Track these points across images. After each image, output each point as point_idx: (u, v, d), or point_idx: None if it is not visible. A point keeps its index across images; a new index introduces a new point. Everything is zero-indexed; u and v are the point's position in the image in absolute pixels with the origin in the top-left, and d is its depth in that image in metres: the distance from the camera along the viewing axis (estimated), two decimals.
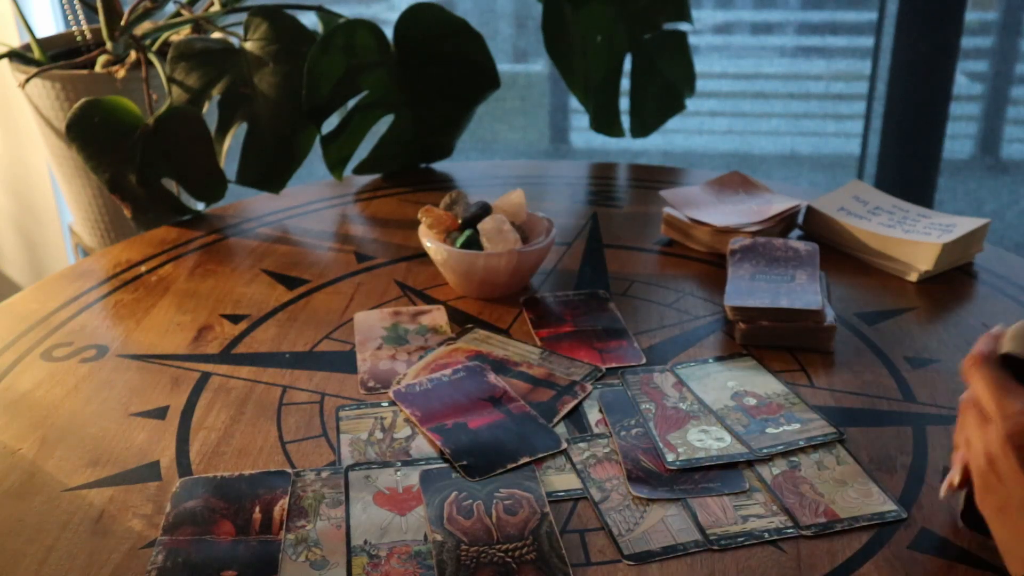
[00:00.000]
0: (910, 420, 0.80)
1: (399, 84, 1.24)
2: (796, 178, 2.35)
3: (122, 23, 1.30)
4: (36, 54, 1.40)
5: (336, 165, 1.26)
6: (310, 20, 1.29)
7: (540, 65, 2.54)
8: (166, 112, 1.13)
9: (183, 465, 0.76)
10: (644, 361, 0.88)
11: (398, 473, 0.74)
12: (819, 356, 0.89)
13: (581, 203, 1.23)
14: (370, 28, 1.21)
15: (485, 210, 0.99)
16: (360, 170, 1.30)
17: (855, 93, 2.35)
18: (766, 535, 0.68)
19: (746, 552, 0.67)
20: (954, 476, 0.65)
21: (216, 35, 1.27)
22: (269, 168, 1.20)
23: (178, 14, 1.33)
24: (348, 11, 1.28)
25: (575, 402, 0.82)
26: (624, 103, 1.35)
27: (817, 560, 0.66)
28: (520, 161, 1.91)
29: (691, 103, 1.38)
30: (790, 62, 2.57)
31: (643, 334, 0.93)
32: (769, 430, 0.78)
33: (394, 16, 1.23)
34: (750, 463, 0.75)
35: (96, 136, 1.11)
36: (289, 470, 0.75)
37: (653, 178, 1.30)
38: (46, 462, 0.76)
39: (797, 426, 0.79)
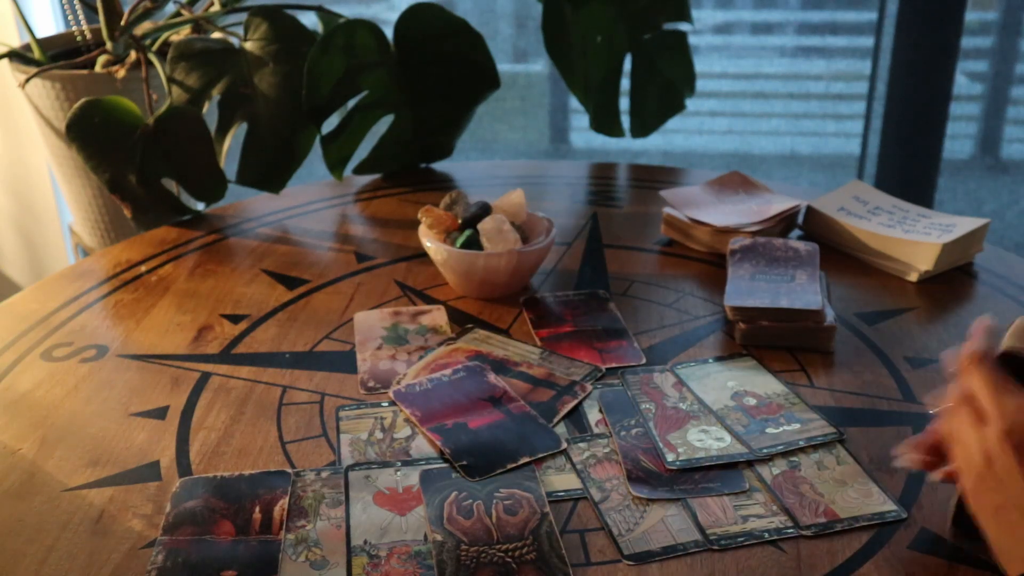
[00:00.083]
0: (910, 420, 0.80)
1: (399, 84, 1.24)
2: (796, 178, 2.35)
3: (122, 23, 1.30)
4: (36, 54, 1.40)
5: (336, 165, 1.26)
6: (310, 20, 1.29)
7: (540, 65, 2.54)
8: (166, 112, 1.13)
9: (183, 465, 0.76)
10: (644, 361, 0.88)
11: (398, 473, 0.74)
12: (819, 356, 0.89)
13: (581, 203, 1.23)
14: (370, 28, 1.21)
15: (485, 210, 0.99)
16: (360, 170, 1.30)
17: (855, 93, 2.35)
18: (766, 535, 0.68)
19: (746, 552, 0.67)
20: (910, 451, 0.65)
21: (216, 35, 1.27)
22: (269, 168, 1.20)
23: (178, 14, 1.33)
24: (348, 11, 1.28)
25: (575, 402, 0.82)
26: (624, 103, 1.35)
27: (817, 560, 0.66)
28: (520, 161, 1.91)
29: (691, 103, 1.38)
30: (790, 62, 2.57)
31: (643, 334, 0.93)
32: (769, 430, 0.78)
33: (394, 16, 1.23)
34: (750, 463, 0.75)
35: (96, 136, 1.11)
36: (289, 470, 0.75)
37: (653, 178, 1.30)
38: (46, 462, 0.76)
39: (797, 426, 0.79)
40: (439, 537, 0.67)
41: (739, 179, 1.17)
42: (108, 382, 0.87)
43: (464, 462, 0.75)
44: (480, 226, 0.96)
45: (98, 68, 1.35)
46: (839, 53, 2.47)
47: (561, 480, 0.74)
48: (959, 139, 2.31)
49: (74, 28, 1.47)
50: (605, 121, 1.34)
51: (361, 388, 0.85)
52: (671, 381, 0.85)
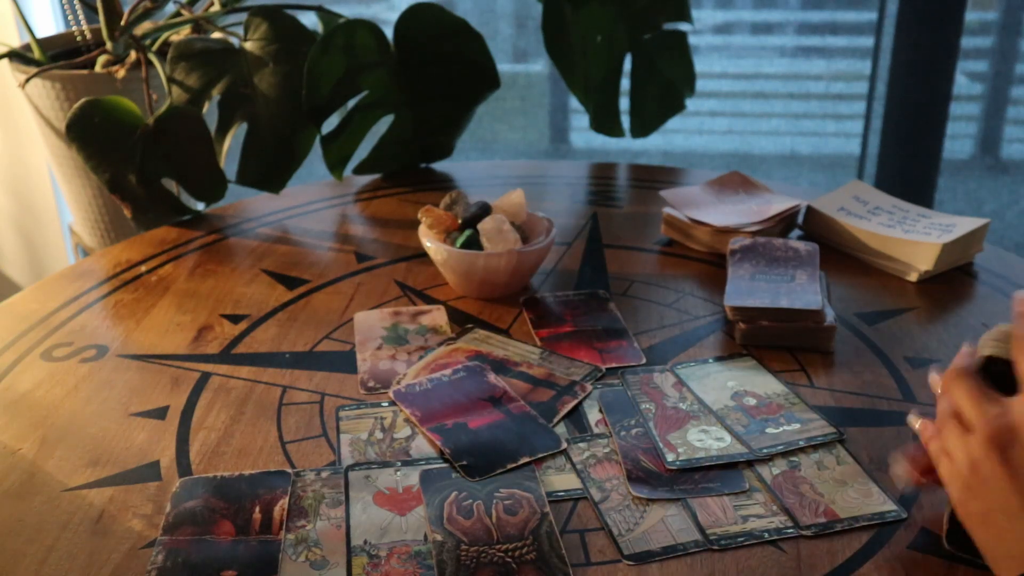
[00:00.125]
0: None
1: (399, 84, 1.24)
2: (796, 178, 2.35)
3: (122, 23, 1.30)
4: (36, 54, 1.40)
5: (336, 165, 1.26)
6: (310, 20, 1.29)
7: (540, 65, 2.54)
8: (166, 112, 1.13)
9: (183, 465, 0.76)
10: (644, 361, 0.88)
11: (398, 473, 0.74)
12: (819, 356, 0.89)
13: (581, 203, 1.23)
14: (370, 28, 1.21)
15: (485, 210, 0.99)
16: (360, 170, 1.30)
17: (855, 93, 2.35)
18: (766, 535, 0.68)
19: (746, 552, 0.67)
20: (906, 465, 0.66)
21: (216, 35, 1.27)
22: (269, 168, 1.20)
23: (178, 14, 1.33)
24: (348, 11, 1.28)
25: (575, 402, 0.82)
26: (624, 103, 1.35)
27: (817, 560, 0.66)
28: (520, 161, 1.91)
29: (691, 103, 1.38)
30: (790, 62, 2.57)
31: (643, 334, 0.93)
32: (769, 430, 0.78)
33: (394, 16, 1.23)
34: (750, 463, 0.75)
35: (96, 136, 1.11)
36: (289, 470, 0.75)
37: (653, 178, 1.30)
38: (46, 462, 0.76)
39: (797, 426, 0.79)
40: (439, 537, 0.67)
41: (739, 179, 1.17)
42: (108, 382, 0.87)
43: (464, 462, 0.75)
44: (480, 226, 0.96)
45: (98, 68, 1.35)
46: (839, 53, 2.47)
47: (561, 480, 0.74)
48: (959, 139, 2.31)
49: (74, 28, 1.47)
50: (605, 121, 1.34)
51: (361, 388, 0.85)
52: (671, 381, 0.85)
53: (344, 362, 0.89)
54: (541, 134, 2.56)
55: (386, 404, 0.83)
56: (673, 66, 1.35)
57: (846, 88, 2.40)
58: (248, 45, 1.18)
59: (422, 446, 0.77)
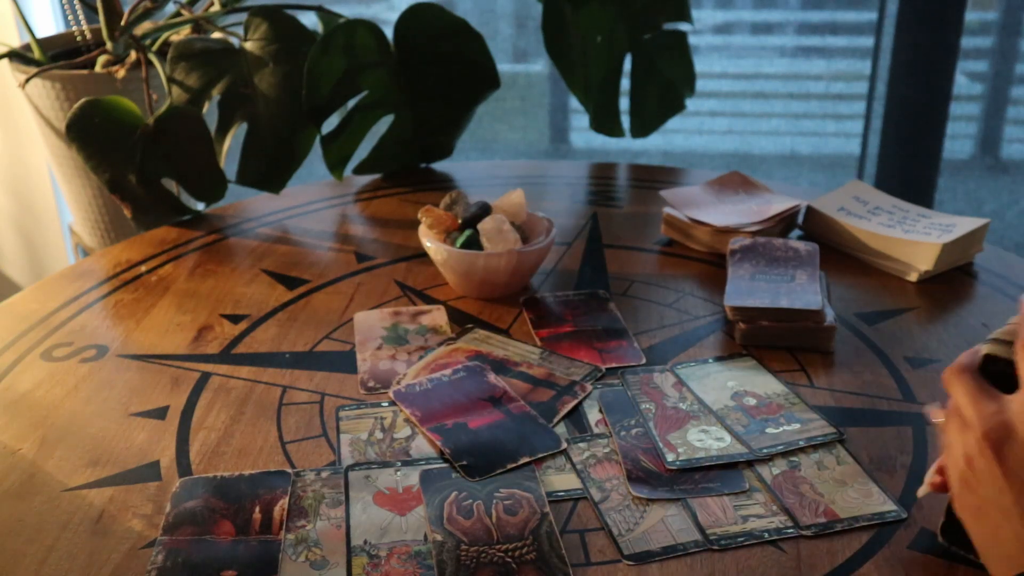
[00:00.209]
0: (910, 420, 0.80)
1: (399, 84, 1.24)
2: (796, 178, 2.35)
3: (122, 23, 1.30)
4: (36, 54, 1.40)
5: (336, 165, 1.26)
6: (310, 20, 1.29)
7: (540, 65, 2.54)
8: (166, 112, 1.13)
9: (183, 465, 0.76)
10: (644, 361, 0.88)
11: (398, 473, 0.74)
12: (819, 356, 0.89)
13: (581, 203, 1.23)
14: (370, 28, 1.21)
15: (485, 210, 0.99)
16: (360, 170, 1.30)
17: (855, 93, 2.35)
18: (766, 535, 0.68)
19: (746, 552, 0.67)
20: (929, 479, 0.66)
21: (216, 35, 1.27)
22: (269, 168, 1.20)
23: (178, 14, 1.33)
24: (348, 11, 1.28)
25: (575, 402, 0.82)
26: (624, 103, 1.35)
27: (817, 560, 0.66)
28: (520, 161, 1.91)
29: (691, 103, 1.38)
30: (790, 62, 2.57)
31: (643, 334, 0.93)
32: (769, 430, 0.78)
33: (394, 16, 1.23)
34: (750, 463, 0.75)
35: (96, 136, 1.11)
36: (289, 470, 0.75)
37: (653, 178, 1.30)
38: (46, 462, 0.76)
39: (797, 426, 0.79)
40: (439, 537, 0.67)
41: (739, 179, 1.17)
42: (108, 382, 0.87)
43: (464, 462, 0.75)
44: (480, 226, 0.96)
45: (98, 68, 1.35)
46: (839, 53, 2.47)
47: (561, 480, 0.74)
48: (959, 139, 2.31)
49: (74, 28, 1.47)
50: (605, 121, 1.34)
51: (361, 388, 0.85)
52: (671, 381, 0.85)
53: (344, 362, 0.89)
54: (541, 134, 2.56)
55: (386, 404, 0.83)
56: (673, 66, 1.35)
57: (846, 88, 2.40)
58: (248, 45, 1.18)
59: (422, 446, 0.77)
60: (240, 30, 1.21)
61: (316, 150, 1.24)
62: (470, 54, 1.25)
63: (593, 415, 0.81)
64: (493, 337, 0.92)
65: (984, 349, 0.62)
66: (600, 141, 1.76)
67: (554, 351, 0.90)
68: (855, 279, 1.02)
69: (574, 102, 2.43)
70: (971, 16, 1.95)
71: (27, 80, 1.32)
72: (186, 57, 1.16)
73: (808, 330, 0.89)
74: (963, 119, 2.33)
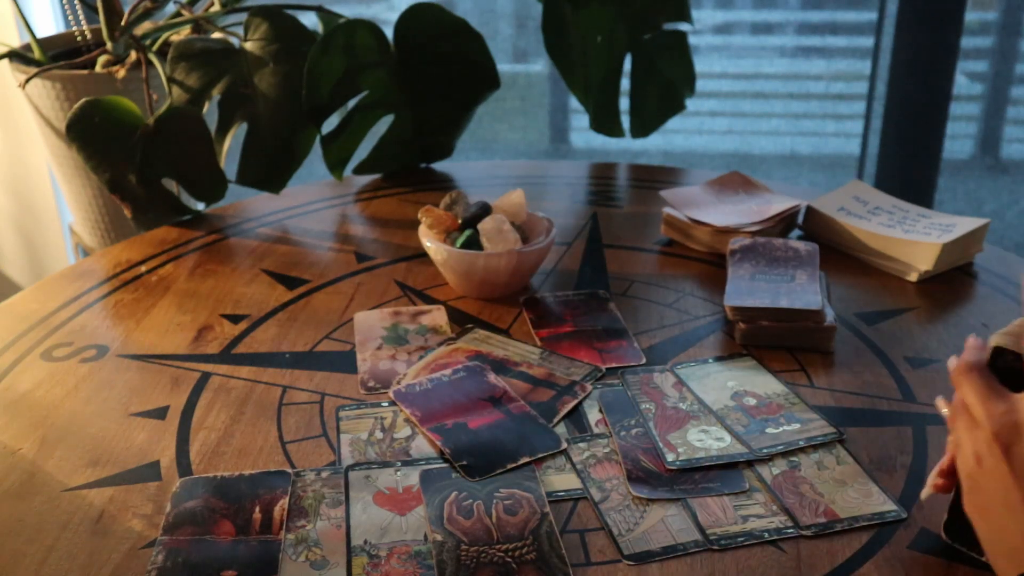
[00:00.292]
0: (910, 420, 0.80)
1: (399, 84, 1.24)
2: (796, 178, 2.35)
3: (122, 23, 1.30)
4: (36, 54, 1.40)
5: (336, 165, 1.26)
6: (310, 20, 1.29)
7: (540, 65, 2.54)
8: (166, 112, 1.13)
9: (183, 465, 0.76)
10: (644, 361, 0.89)
11: (398, 473, 0.74)
12: (819, 356, 0.89)
13: (581, 203, 1.23)
14: (370, 28, 1.21)
15: (485, 210, 0.99)
16: (360, 170, 1.30)
17: (855, 93, 2.35)
18: (766, 535, 0.68)
19: (746, 552, 0.67)
20: (932, 481, 0.66)
21: (216, 35, 1.27)
22: (269, 168, 1.20)
23: (178, 14, 1.33)
24: (348, 11, 1.28)
25: (575, 402, 0.82)
26: (624, 103, 1.35)
27: (817, 560, 0.66)
28: (520, 161, 1.91)
29: (691, 103, 1.38)
30: (790, 62, 2.57)
31: (643, 334, 0.93)
32: (769, 430, 0.78)
33: (394, 16, 1.23)
34: (750, 463, 0.75)
35: (96, 136, 1.11)
36: (289, 470, 0.75)
37: (653, 178, 1.30)
38: (46, 462, 0.76)
39: (797, 426, 0.79)
40: (439, 537, 0.67)
41: (739, 179, 1.17)
42: (108, 382, 0.87)
43: (464, 462, 0.75)
44: (480, 226, 0.96)
45: (98, 68, 1.35)
46: (839, 53, 2.47)
47: (561, 480, 0.74)
48: (959, 139, 2.31)
49: (74, 28, 1.47)
50: (605, 121, 1.34)
51: (361, 388, 0.85)
52: (671, 381, 0.85)
53: (344, 362, 0.89)
54: (541, 134, 2.56)
55: (386, 404, 0.83)
56: (673, 66, 1.35)
57: (846, 88, 2.40)
58: (248, 45, 1.18)
59: (422, 446, 0.77)
60: (240, 30, 1.21)
61: (316, 150, 1.24)
62: (470, 54, 1.25)
63: (593, 415, 0.81)
64: (493, 337, 0.92)
65: (993, 341, 0.62)
66: (600, 141, 1.76)
67: (554, 351, 0.90)
68: (855, 279, 1.02)
69: (574, 102, 2.43)
70: (971, 16, 1.95)
71: (27, 80, 1.32)
72: (186, 57, 1.16)
73: (808, 330, 0.89)
74: (963, 119, 2.33)
